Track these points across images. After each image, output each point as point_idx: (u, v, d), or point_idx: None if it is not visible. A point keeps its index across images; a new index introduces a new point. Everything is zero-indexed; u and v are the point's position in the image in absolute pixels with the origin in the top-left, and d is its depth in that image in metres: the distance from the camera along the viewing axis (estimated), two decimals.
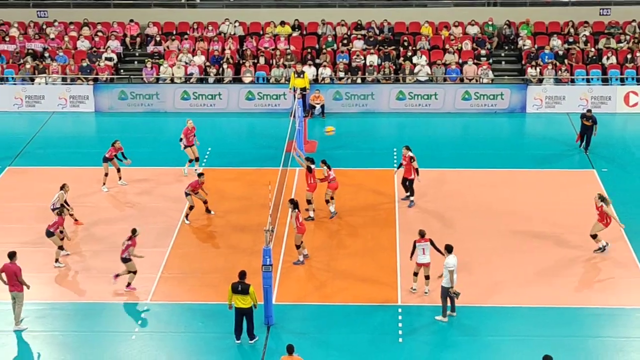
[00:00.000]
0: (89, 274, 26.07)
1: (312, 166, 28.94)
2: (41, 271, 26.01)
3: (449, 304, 23.48)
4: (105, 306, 24.44)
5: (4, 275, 23.03)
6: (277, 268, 25.61)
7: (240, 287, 22.31)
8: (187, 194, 28.74)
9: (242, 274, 22.48)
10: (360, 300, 24.56)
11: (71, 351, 22.53)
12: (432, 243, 24.36)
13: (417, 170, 29.59)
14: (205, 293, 25.07)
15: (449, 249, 23.35)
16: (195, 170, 31.52)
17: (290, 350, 20.10)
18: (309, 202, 28.97)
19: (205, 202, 29.19)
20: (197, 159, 32.45)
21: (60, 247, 26.40)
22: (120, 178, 31.34)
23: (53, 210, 27.59)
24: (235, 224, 28.82)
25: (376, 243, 27.63)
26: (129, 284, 25.13)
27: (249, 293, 22.25)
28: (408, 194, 29.97)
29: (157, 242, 27.70)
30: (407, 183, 29.88)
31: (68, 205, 28.28)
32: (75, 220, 28.60)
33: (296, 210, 26.14)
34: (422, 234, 24.42)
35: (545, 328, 23.25)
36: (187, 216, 28.89)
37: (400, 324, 23.45)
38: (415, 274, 24.62)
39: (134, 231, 25.25)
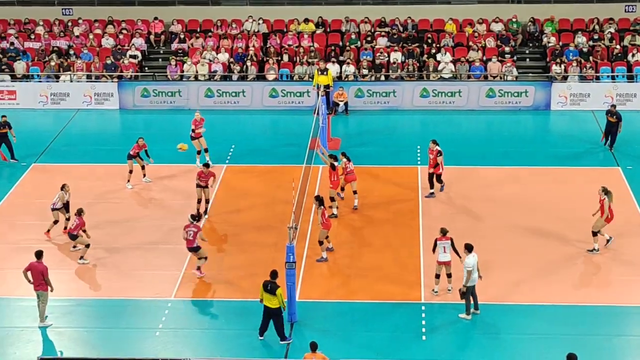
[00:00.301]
0: (113, 271, 26.17)
1: (335, 163, 28.98)
2: (65, 268, 26.16)
3: (472, 301, 23.44)
4: (129, 303, 24.55)
5: (29, 274, 23.16)
6: (300, 265, 25.63)
7: (270, 287, 22.34)
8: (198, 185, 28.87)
9: (274, 274, 22.49)
10: (383, 298, 24.55)
11: (95, 347, 22.64)
12: (452, 243, 24.30)
13: (441, 164, 29.80)
14: (229, 290, 25.14)
15: (468, 247, 23.26)
16: (207, 161, 31.84)
17: (313, 347, 20.11)
18: (332, 199, 29.01)
19: (206, 202, 29.18)
20: (206, 150, 32.71)
21: (87, 245, 26.47)
22: (144, 175, 31.47)
23: (53, 210, 27.61)
24: (259, 221, 28.86)
25: (399, 240, 27.60)
26: (198, 268, 25.47)
27: (276, 294, 22.26)
28: (431, 191, 30.07)
29: (180, 239, 27.73)
30: (435, 177, 30.03)
31: (68, 207, 28.05)
32: (65, 228, 27.97)
33: (322, 206, 26.19)
34: (444, 232, 24.34)
35: (569, 326, 23.15)
36: (205, 211, 29.05)
37: (423, 322, 23.43)
38: (437, 276, 24.51)
39: (194, 217, 25.71)
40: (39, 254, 23.34)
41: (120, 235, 28.10)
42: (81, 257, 26.43)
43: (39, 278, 23.06)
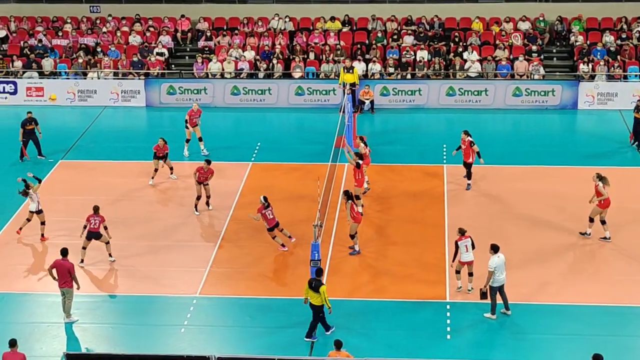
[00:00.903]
0: (138, 268, 26.27)
1: (360, 162, 28.98)
2: (92, 264, 26.28)
3: (499, 301, 23.33)
4: (155, 299, 24.65)
5: (54, 271, 23.27)
6: (325, 263, 25.63)
7: (314, 284, 22.39)
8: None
9: (319, 272, 22.60)
10: (408, 296, 24.52)
11: (121, 344, 22.74)
12: (472, 241, 24.21)
13: (478, 154, 30.21)
14: (254, 287, 25.18)
15: (494, 248, 23.14)
16: (202, 151, 32.96)
17: (338, 345, 20.09)
18: (357, 197, 29.00)
19: (207, 197, 29.42)
20: (200, 139, 33.50)
21: (107, 242, 26.51)
22: (171, 172, 31.55)
23: (37, 213, 27.44)
24: (284, 218, 28.86)
25: (424, 239, 27.55)
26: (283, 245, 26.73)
27: (319, 292, 22.30)
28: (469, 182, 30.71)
29: (206, 236, 27.87)
30: (467, 167, 30.41)
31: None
32: (43, 235, 27.79)
33: (350, 201, 26.23)
34: (462, 232, 24.22)
35: (595, 327, 23.01)
36: (207, 203, 29.32)
37: (448, 321, 23.37)
38: (458, 272, 24.47)
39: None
40: (64, 252, 23.44)
41: (146, 233, 28.20)
42: (110, 255, 26.46)
43: (66, 275, 23.15)
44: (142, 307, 24.34)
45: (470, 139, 30.18)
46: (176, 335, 23.08)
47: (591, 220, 26.97)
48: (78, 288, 23.46)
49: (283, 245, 26.85)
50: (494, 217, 28.76)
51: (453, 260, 24.39)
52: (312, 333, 22.61)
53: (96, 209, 26.22)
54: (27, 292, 25.14)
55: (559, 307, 23.93)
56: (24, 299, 24.83)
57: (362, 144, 30.02)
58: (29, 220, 27.64)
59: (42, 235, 27.61)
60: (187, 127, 33.42)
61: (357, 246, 26.61)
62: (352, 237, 26.52)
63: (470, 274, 24.42)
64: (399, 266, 26.09)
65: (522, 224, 28.26)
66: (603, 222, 26.95)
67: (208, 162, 29.32)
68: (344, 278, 25.60)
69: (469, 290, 24.47)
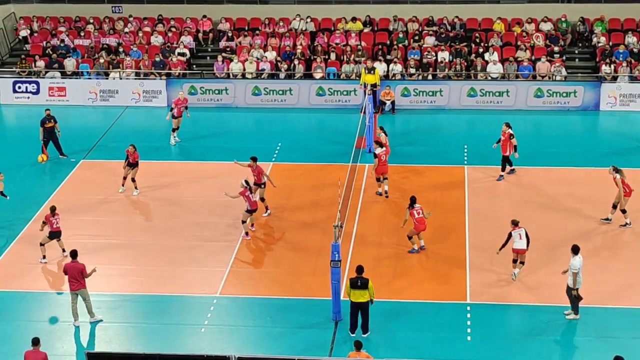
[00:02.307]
0: (159, 267, 26.33)
1: (382, 149, 29.76)
2: (113, 263, 26.39)
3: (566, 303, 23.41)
4: (175, 299, 24.70)
5: (66, 277, 23.36)
6: (345, 264, 25.62)
7: (360, 282, 22.37)
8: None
9: (360, 269, 22.56)
10: (428, 297, 24.47)
11: (141, 342, 22.80)
12: (526, 231, 24.84)
13: (515, 147, 30.74)
14: (274, 288, 25.20)
15: (575, 250, 23.10)
16: (174, 138, 34.15)
17: (358, 346, 20.08)
18: (378, 179, 30.06)
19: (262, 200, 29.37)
20: (174, 130, 34.61)
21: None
22: (135, 187, 30.76)
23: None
24: (304, 219, 28.90)
25: (445, 239, 27.49)
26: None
27: (368, 288, 22.32)
28: (510, 168, 31.35)
29: (226, 236, 27.89)
30: (503, 160, 31.00)
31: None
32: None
33: (411, 207, 26.30)
34: (515, 223, 24.88)
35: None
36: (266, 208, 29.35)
37: (468, 322, 23.31)
38: (515, 261, 24.97)
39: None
40: (74, 254, 23.46)
41: (167, 232, 28.28)
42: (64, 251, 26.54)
43: (78, 277, 23.20)
44: (162, 307, 24.39)
45: (511, 132, 30.67)
46: (196, 335, 23.12)
47: (623, 212, 27.90)
48: (95, 270, 23.37)
49: (247, 234, 27.41)
50: (515, 217, 28.59)
51: (500, 249, 24.96)
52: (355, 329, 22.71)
53: (53, 209, 26.34)
54: (47, 291, 25.27)
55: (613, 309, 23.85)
56: (45, 297, 24.96)
57: (382, 134, 30.57)
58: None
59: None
60: (173, 117, 34.29)
61: (416, 245, 26.72)
62: (410, 238, 26.66)
63: (522, 262, 24.93)
64: (419, 266, 26.06)
65: (542, 225, 28.02)
66: (624, 211, 27.85)
67: (254, 159, 29.08)
68: None
69: (514, 276, 24.86)
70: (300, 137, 36.29)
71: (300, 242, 27.58)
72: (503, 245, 24.89)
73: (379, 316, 23.64)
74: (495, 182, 30.71)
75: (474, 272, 25.37)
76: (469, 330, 22.99)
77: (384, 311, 23.91)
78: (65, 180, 32.00)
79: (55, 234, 26.43)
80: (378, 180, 30.32)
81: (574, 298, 23.11)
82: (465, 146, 33.95)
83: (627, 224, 27.96)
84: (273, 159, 33.42)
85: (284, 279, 25.59)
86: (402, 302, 24.37)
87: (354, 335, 22.65)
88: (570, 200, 29.73)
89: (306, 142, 35.49)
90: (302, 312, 23.80)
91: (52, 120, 33.37)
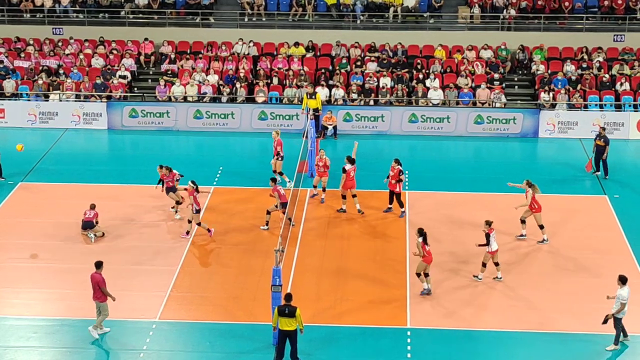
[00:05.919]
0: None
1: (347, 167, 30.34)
2: (51, 287, 26.03)
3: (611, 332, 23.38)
4: (114, 323, 24.38)
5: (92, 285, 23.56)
6: (286, 289, 25.54)
7: (288, 310, 22.10)
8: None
9: (289, 297, 22.33)
10: (368, 322, 24.48)
11: None
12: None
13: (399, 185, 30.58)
14: (214, 312, 25.03)
15: (623, 280, 22.95)
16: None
17: None
18: (343, 196, 30.61)
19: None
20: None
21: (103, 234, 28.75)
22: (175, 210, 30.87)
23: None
24: (245, 243, 28.80)
25: (385, 264, 27.54)
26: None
27: (296, 316, 22.11)
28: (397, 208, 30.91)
29: (166, 260, 27.68)
30: (395, 197, 30.67)
31: None
32: None
33: (420, 238, 25.52)
34: (489, 223, 25.86)
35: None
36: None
37: (409, 347, 23.34)
38: (484, 265, 26.05)
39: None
40: (98, 264, 23.64)
41: (105, 255, 27.92)
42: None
43: (95, 288, 23.37)
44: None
45: (400, 168, 30.40)
46: (135, 359, 22.85)
47: (523, 222, 28.85)
48: (113, 300, 23.56)
49: (209, 230, 28.97)
50: (454, 243, 28.80)
51: (478, 245, 26.12)
52: (296, 356, 22.44)
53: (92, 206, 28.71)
54: None
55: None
56: None
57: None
58: None
59: None
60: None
61: (427, 285, 25.80)
62: (418, 275, 25.77)
63: (497, 264, 26.17)
64: (359, 291, 26.03)
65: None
66: (541, 227, 28.69)
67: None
68: (304, 303, 25.35)
69: (498, 279, 26.11)
70: (242, 161, 36.22)
71: (241, 266, 27.46)
72: (482, 245, 25.93)
73: (319, 341, 23.57)
74: (437, 208, 30.78)
75: (414, 297, 25.42)
76: (409, 356, 23.01)
77: (325, 336, 23.84)
78: (3, 203, 31.54)
79: (87, 224, 28.71)
80: (343, 197, 30.44)
81: (605, 320, 22.99)
82: (406, 172, 34.12)
83: (544, 240, 28.64)
84: (214, 183, 33.30)
85: (225, 303, 25.44)
86: (342, 326, 24.31)
87: None
88: (506, 226, 29.92)
89: (248, 166, 35.43)
90: (242, 338, 23.66)
91: None
